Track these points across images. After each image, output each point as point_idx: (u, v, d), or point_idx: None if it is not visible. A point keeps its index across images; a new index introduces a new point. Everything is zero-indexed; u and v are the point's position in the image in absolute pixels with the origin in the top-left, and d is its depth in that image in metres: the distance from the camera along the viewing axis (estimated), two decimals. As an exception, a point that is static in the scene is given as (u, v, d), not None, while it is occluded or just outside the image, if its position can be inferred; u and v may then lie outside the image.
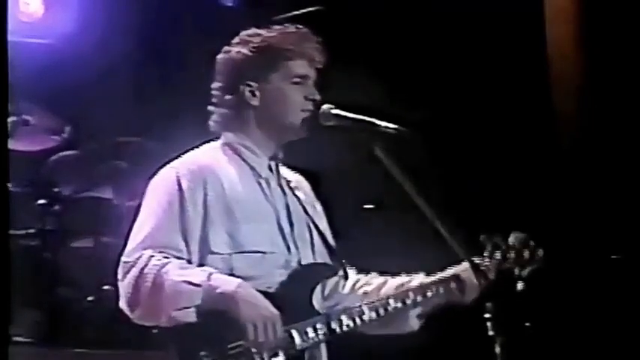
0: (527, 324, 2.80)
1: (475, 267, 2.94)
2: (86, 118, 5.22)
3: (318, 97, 3.13)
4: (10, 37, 5.18)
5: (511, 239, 3.29)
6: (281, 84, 3.11)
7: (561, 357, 4.48)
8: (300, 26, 3.15)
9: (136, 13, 5.62)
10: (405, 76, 5.08)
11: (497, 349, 2.79)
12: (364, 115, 3.05)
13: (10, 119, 4.78)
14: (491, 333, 2.79)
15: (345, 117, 3.07)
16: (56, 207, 4.87)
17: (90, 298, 4.80)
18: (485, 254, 3.24)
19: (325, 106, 3.10)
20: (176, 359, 2.86)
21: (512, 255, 3.27)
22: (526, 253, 3.26)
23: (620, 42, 4.88)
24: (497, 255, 3.25)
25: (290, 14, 5.36)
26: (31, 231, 4.84)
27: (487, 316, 2.81)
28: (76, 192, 4.97)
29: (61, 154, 4.96)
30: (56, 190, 4.90)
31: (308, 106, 3.11)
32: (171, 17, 5.69)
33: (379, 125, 3.02)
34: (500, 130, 4.99)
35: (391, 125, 3.00)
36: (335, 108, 3.09)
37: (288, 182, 3.21)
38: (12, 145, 4.80)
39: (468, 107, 5.08)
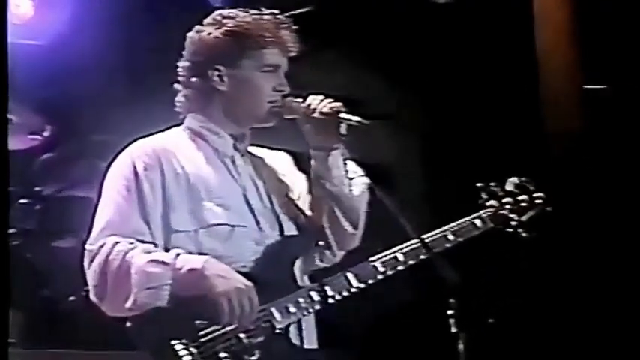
0: (490, 320, 2.73)
1: (425, 246, 2.88)
2: (69, 118, 5.19)
3: (287, 88, 3.07)
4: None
5: (507, 185, 3.23)
6: (251, 72, 3.05)
7: (525, 352, 4.43)
8: (277, 12, 3.09)
9: (124, 15, 5.58)
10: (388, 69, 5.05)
11: (461, 346, 2.73)
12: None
13: (-8, 118, 4.80)
14: (454, 330, 2.74)
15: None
16: (38, 206, 4.85)
17: (71, 298, 4.77)
18: (479, 202, 3.21)
19: (288, 99, 3.06)
20: (148, 352, 2.79)
21: (508, 201, 3.23)
22: (524, 199, 3.21)
23: (610, 42, 4.85)
24: (492, 203, 3.20)
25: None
26: (13, 230, 4.80)
27: (450, 312, 2.76)
28: (58, 191, 4.94)
29: (43, 153, 4.94)
30: (38, 189, 4.88)
31: (275, 97, 3.05)
32: (159, 17, 5.66)
33: (342, 117, 2.98)
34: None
35: (354, 117, 2.96)
36: (297, 100, 3.05)
37: (262, 159, 3.15)
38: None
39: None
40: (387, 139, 3.00)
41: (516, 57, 4.84)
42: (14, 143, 4.86)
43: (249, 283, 2.82)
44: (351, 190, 3.08)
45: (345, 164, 3.07)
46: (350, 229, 3.10)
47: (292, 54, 3.10)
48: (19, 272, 4.79)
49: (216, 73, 3.04)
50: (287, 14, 5.30)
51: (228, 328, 2.82)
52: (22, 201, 4.85)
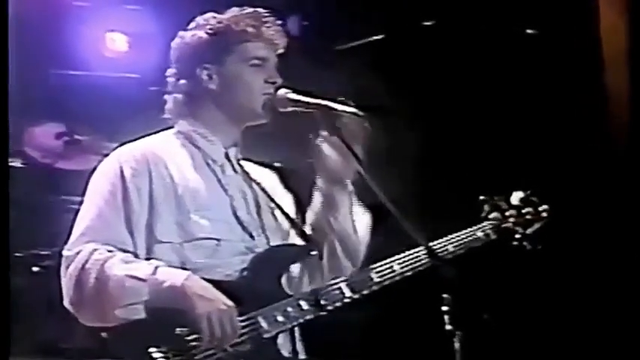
0: (485, 316, 2.58)
1: (431, 253, 2.75)
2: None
3: (279, 80, 3.01)
4: (96, 72, 5.56)
5: (512, 198, 3.21)
6: (238, 66, 2.99)
7: (522, 348, 4.20)
8: (259, 9, 3.04)
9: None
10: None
11: (457, 344, 2.58)
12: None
13: (63, 139, 4.95)
14: (449, 327, 2.59)
15: (301, 101, 2.95)
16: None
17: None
18: (482, 215, 3.17)
19: (282, 91, 2.99)
20: None
21: (512, 213, 3.18)
22: (529, 211, 3.18)
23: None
24: (495, 216, 3.17)
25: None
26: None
27: (445, 309, 2.61)
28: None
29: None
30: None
31: (269, 90, 2.99)
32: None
33: (337, 109, 2.90)
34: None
35: (348, 109, 2.87)
36: (291, 92, 2.97)
37: (249, 173, 3.08)
38: (63, 164, 4.97)
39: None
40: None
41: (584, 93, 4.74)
42: (82, 163, 4.98)
43: (231, 303, 2.73)
44: (355, 231, 3.04)
45: (352, 203, 3.03)
46: (349, 265, 3.05)
47: (280, 49, 3.05)
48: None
49: (205, 72, 3.00)
50: (360, 42, 5.34)
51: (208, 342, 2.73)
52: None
